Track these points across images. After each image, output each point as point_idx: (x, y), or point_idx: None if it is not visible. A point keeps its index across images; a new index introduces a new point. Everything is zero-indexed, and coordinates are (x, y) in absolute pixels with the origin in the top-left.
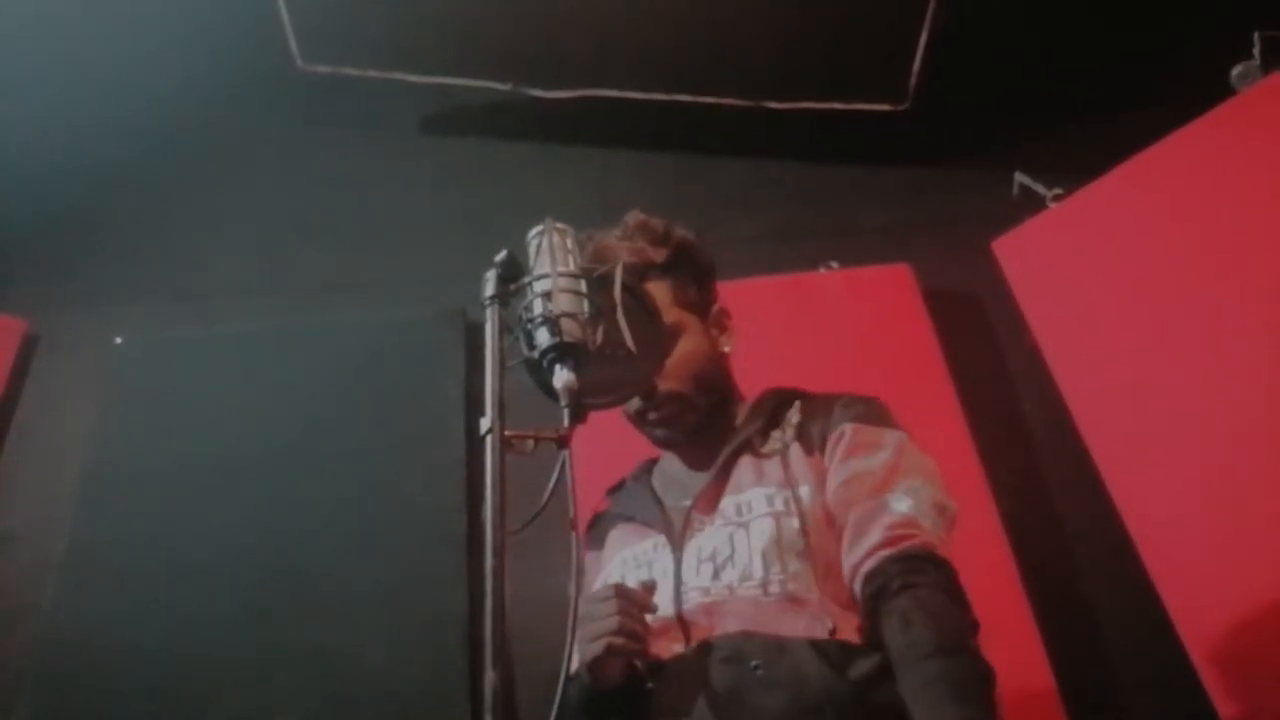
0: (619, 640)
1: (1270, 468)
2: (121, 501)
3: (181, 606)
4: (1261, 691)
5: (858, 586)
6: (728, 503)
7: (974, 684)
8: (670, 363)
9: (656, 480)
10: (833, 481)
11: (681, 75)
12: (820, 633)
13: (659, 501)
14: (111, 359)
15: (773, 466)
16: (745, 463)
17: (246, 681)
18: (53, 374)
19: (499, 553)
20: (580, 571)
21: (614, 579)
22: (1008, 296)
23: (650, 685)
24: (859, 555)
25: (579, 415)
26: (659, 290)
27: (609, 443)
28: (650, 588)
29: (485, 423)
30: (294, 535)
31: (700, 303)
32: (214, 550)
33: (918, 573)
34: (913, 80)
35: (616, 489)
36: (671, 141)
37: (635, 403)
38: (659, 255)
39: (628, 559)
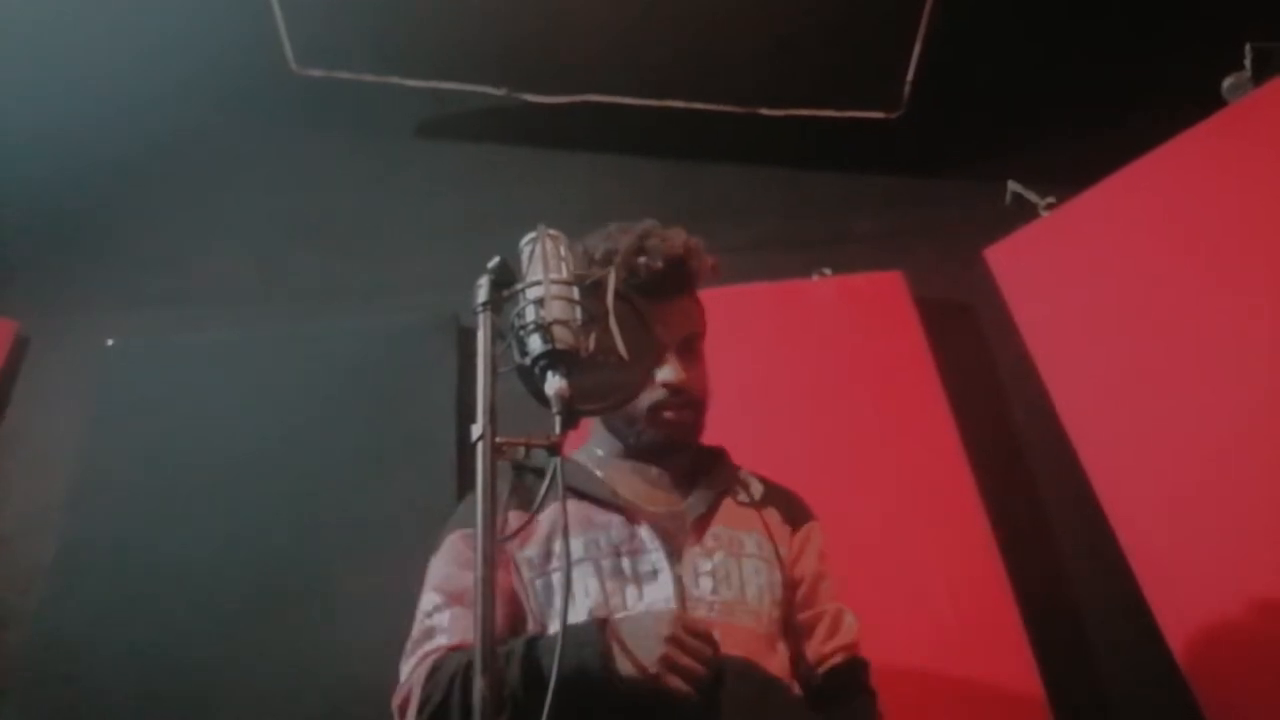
0: (691, 692)
1: (1259, 475)
2: (111, 504)
3: (171, 609)
4: (1247, 693)
5: (821, 670)
6: (720, 530)
7: None
8: (698, 371)
9: (601, 472)
10: (808, 570)
11: (675, 82)
12: (790, 680)
13: (614, 490)
14: (102, 361)
15: (753, 517)
16: (729, 504)
17: (236, 684)
18: (43, 376)
19: (489, 560)
20: (570, 579)
21: (577, 555)
22: (999, 304)
23: None
24: (832, 647)
25: (571, 422)
26: (699, 308)
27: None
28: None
29: (476, 429)
30: (284, 539)
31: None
32: (203, 553)
33: (867, 681)
34: (906, 88)
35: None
36: (665, 148)
37: (659, 394)
38: (703, 268)
39: (600, 541)
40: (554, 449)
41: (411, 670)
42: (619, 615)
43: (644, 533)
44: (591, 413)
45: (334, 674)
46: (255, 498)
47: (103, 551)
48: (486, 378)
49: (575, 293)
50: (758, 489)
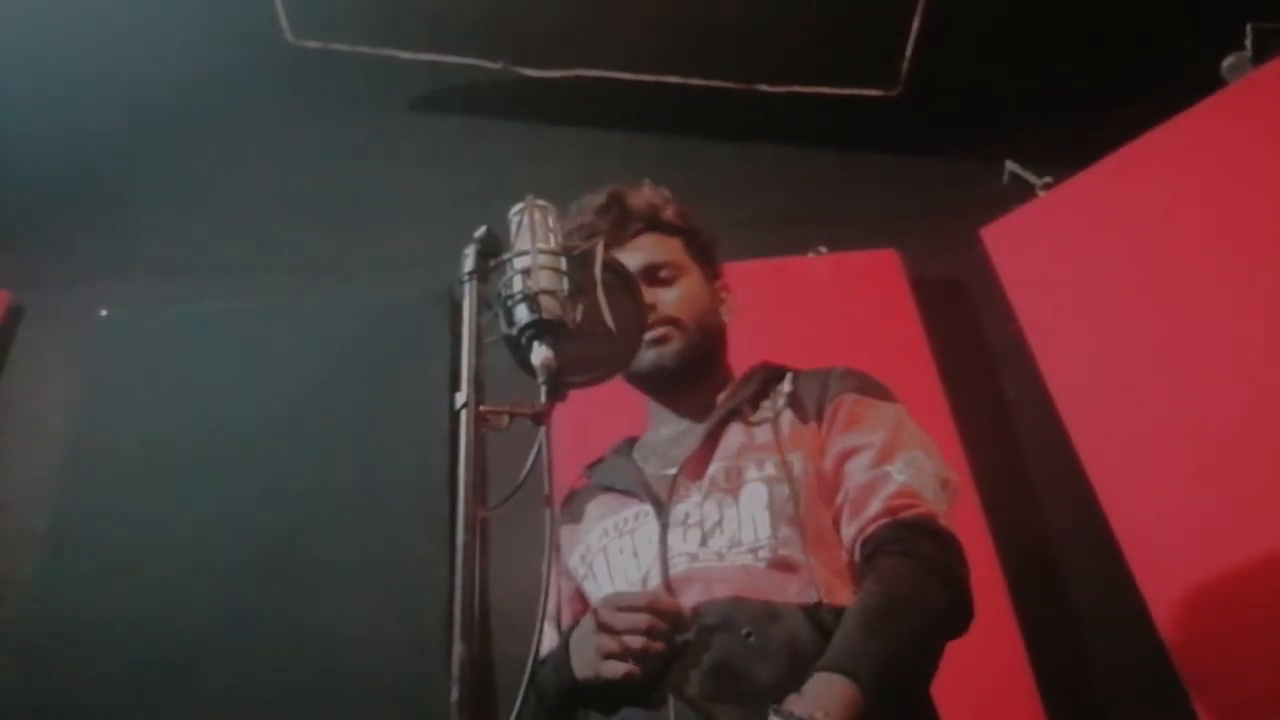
0: (635, 670)
1: (1251, 455)
2: (105, 474)
3: (164, 579)
4: (1236, 677)
5: (857, 555)
6: (716, 468)
7: (896, 618)
8: (672, 295)
9: (638, 453)
10: (833, 451)
11: (672, 57)
12: (811, 599)
13: (640, 471)
14: (96, 331)
15: (763, 433)
16: (735, 429)
17: (229, 656)
18: (38, 345)
19: (471, 528)
20: (555, 547)
21: (593, 548)
22: (995, 284)
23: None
24: (860, 524)
25: (557, 392)
26: (670, 244)
27: (591, 423)
28: (689, 614)
29: (460, 398)
30: (277, 511)
31: (707, 266)
32: (197, 525)
33: (917, 542)
34: (904, 66)
35: (596, 464)
36: (661, 123)
37: None
38: (672, 214)
39: (608, 528)
40: (539, 419)
41: None
42: None
43: (646, 505)
44: (579, 384)
45: (327, 644)
46: (249, 469)
47: (96, 521)
48: (471, 346)
49: (563, 263)
50: (783, 396)
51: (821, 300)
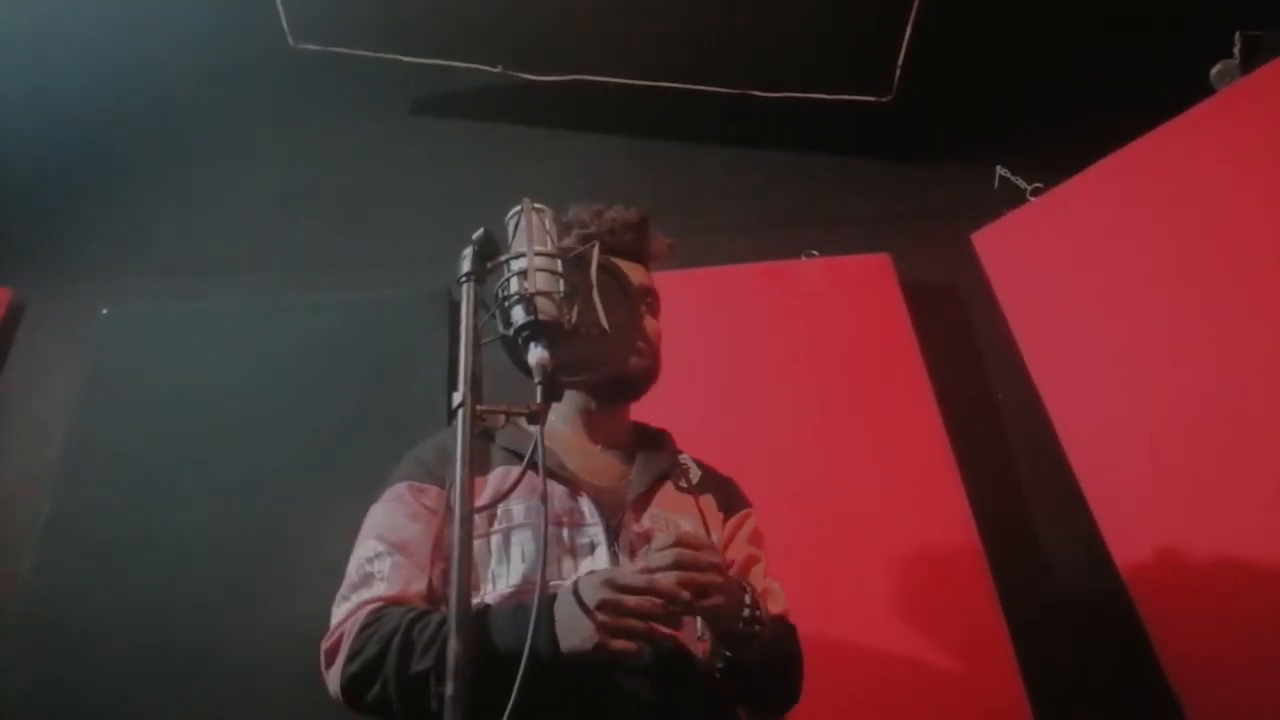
0: (634, 648)
1: (1240, 458)
2: (105, 471)
3: (162, 577)
4: (1221, 666)
5: None
6: (658, 514)
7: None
8: (651, 323)
9: (553, 444)
10: (740, 552)
11: (669, 62)
12: (710, 669)
13: (560, 461)
14: (97, 330)
15: (689, 503)
16: (668, 488)
17: (226, 653)
18: (39, 343)
19: (466, 523)
20: (547, 543)
21: (516, 516)
22: (985, 288)
23: None
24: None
25: (553, 392)
26: (648, 275)
27: None
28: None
29: (457, 397)
30: (274, 509)
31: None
32: (195, 522)
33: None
34: (897, 73)
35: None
36: (658, 128)
37: None
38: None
39: (534, 509)
40: (534, 418)
41: (346, 616)
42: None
43: (585, 505)
44: (574, 385)
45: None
46: (247, 467)
47: (95, 518)
48: (468, 346)
49: (559, 265)
50: (696, 475)
51: (814, 304)
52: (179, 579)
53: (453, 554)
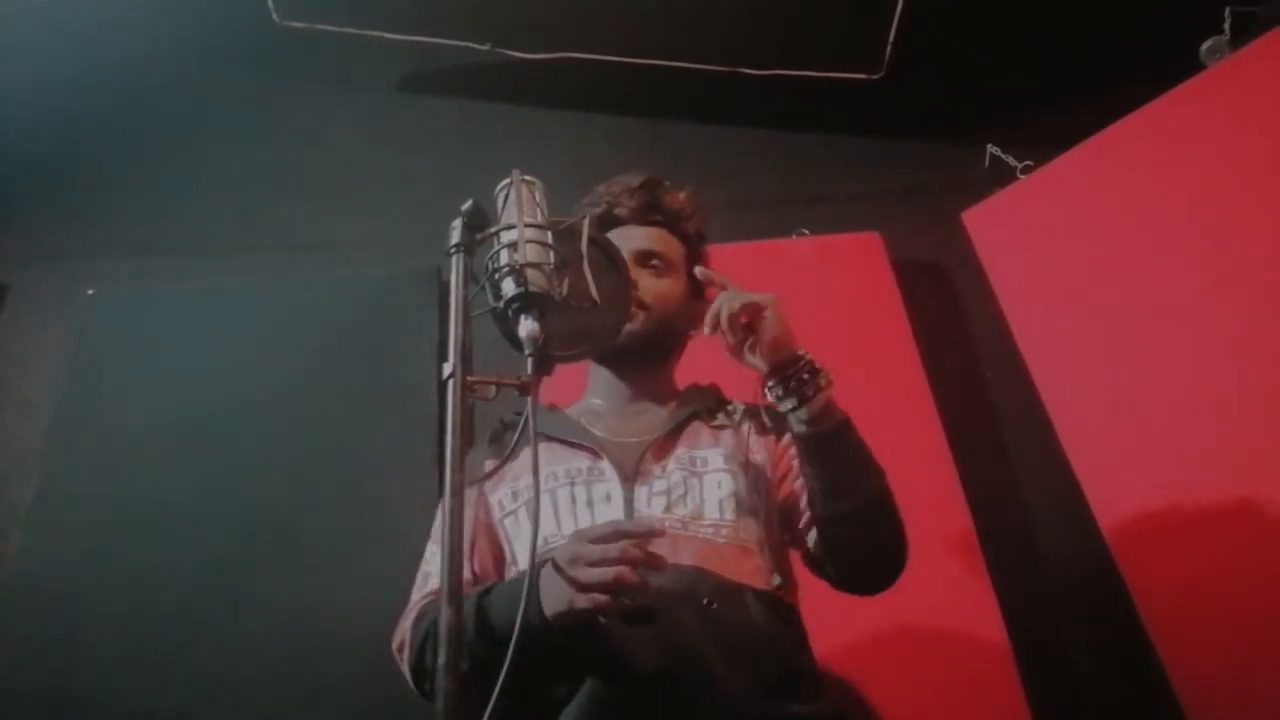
0: (608, 602)
1: (1230, 434)
2: (91, 453)
3: (151, 558)
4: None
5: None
6: (682, 452)
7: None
8: (653, 284)
9: (573, 412)
10: (792, 473)
11: (658, 39)
12: (764, 584)
13: (586, 430)
14: (83, 311)
15: (726, 436)
16: (699, 426)
17: (217, 634)
18: (24, 325)
19: (457, 493)
20: (538, 519)
21: (542, 490)
22: (976, 266)
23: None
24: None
25: (544, 365)
26: (674, 245)
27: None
28: (657, 531)
29: (447, 368)
30: (264, 488)
31: (696, 283)
32: (183, 504)
33: None
34: (888, 50)
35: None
36: (647, 105)
37: None
38: (693, 227)
39: (557, 473)
40: (525, 389)
41: (406, 615)
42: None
43: (604, 464)
44: (566, 358)
45: (315, 621)
46: (236, 448)
47: (82, 500)
48: (458, 317)
49: (549, 237)
50: (740, 411)
51: (804, 282)
52: (167, 559)
53: (444, 527)
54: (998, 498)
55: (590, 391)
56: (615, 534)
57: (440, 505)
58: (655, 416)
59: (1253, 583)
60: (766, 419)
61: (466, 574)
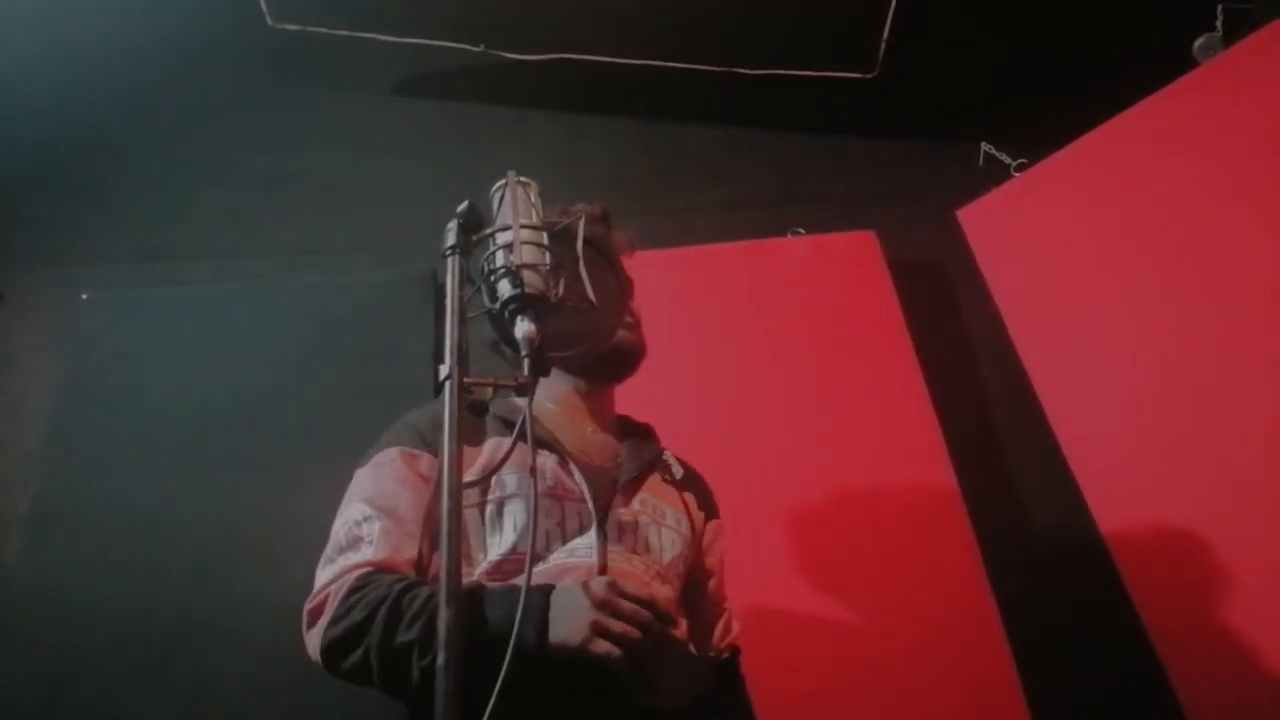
0: (621, 654)
1: (1227, 431)
2: (87, 457)
3: (147, 562)
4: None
5: (719, 656)
6: (645, 498)
7: None
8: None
9: (544, 418)
10: (717, 565)
11: (653, 41)
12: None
13: (552, 436)
14: (78, 315)
15: (674, 496)
16: (655, 478)
17: (213, 636)
18: (19, 329)
19: (455, 495)
20: (536, 521)
21: (509, 487)
22: (971, 264)
23: None
24: (728, 641)
25: (540, 366)
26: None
27: None
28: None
29: (444, 369)
30: (260, 493)
31: None
32: (179, 507)
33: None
34: (882, 49)
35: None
36: (642, 106)
37: None
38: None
39: (525, 480)
40: (521, 390)
41: (332, 579)
42: (558, 582)
43: (577, 478)
44: (562, 359)
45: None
46: (230, 451)
47: (78, 504)
48: (454, 319)
49: (545, 238)
50: (679, 471)
51: (799, 281)
52: (164, 562)
53: (442, 527)
54: (994, 495)
55: (542, 390)
56: (648, 602)
57: (363, 467)
58: (606, 442)
59: (1252, 583)
60: (703, 499)
61: (411, 553)
